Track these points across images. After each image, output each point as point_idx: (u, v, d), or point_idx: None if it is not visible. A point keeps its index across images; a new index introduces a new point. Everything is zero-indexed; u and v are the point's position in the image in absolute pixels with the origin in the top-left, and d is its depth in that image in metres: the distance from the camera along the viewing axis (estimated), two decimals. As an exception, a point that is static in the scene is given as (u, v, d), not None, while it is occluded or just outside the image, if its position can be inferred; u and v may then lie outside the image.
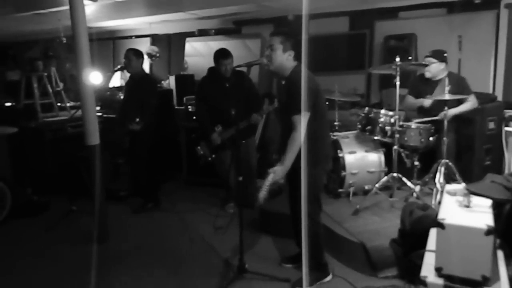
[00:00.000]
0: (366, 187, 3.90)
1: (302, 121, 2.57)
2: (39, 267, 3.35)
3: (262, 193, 2.57)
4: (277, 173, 2.61)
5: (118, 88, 6.25)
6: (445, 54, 3.86)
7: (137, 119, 4.13)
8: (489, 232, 1.95)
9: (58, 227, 4.09)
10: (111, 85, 6.47)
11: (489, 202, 2.29)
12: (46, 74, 5.57)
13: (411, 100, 4.05)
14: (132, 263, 3.36)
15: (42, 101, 5.44)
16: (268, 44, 2.72)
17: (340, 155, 3.90)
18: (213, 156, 4.16)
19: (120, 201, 4.79)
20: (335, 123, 4.40)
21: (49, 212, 4.51)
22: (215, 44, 6.38)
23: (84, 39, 3.44)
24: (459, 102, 3.77)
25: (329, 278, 2.93)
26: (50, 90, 5.57)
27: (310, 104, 2.59)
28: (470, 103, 3.79)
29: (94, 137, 3.60)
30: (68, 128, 5.15)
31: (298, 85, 2.52)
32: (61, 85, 6.05)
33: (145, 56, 6.59)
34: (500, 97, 4.64)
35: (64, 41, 6.26)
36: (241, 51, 6.02)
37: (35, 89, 5.36)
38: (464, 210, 2.20)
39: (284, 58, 2.69)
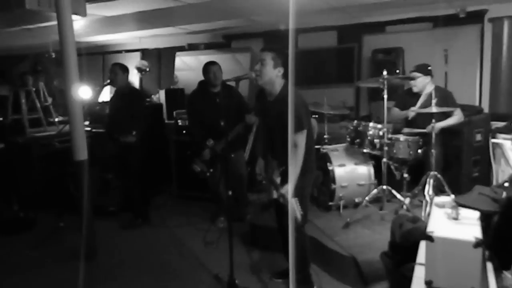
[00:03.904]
0: (356, 200, 3.90)
1: (302, 138, 2.63)
2: (26, 286, 3.27)
3: (298, 213, 2.54)
4: (288, 191, 2.57)
5: (108, 103, 6.23)
6: (429, 68, 3.91)
7: (134, 132, 4.17)
8: (477, 244, 1.96)
9: (45, 244, 4.01)
10: (100, 99, 6.44)
11: (477, 214, 2.30)
12: (34, 89, 5.53)
13: (396, 111, 4.09)
14: (121, 280, 3.30)
15: (30, 116, 5.40)
16: (259, 58, 2.74)
17: (330, 168, 3.91)
18: (211, 170, 4.11)
19: (109, 216, 4.71)
20: (325, 136, 4.42)
21: (36, 229, 4.43)
22: (205, 58, 6.39)
23: (73, 54, 3.43)
24: (446, 115, 3.82)
25: None
26: (38, 105, 5.54)
27: (307, 121, 2.67)
28: (456, 117, 3.84)
29: (82, 152, 3.56)
30: (56, 143, 5.10)
31: (294, 103, 2.51)
32: (50, 99, 6.01)
33: (135, 71, 6.65)
34: (486, 109, 4.71)
35: (53, 56, 6.25)
36: (230, 65, 6.06)
37: (23, 104, 5.33)
38: (452, 223, 2.20)
39: (274, 74, 2.69)
